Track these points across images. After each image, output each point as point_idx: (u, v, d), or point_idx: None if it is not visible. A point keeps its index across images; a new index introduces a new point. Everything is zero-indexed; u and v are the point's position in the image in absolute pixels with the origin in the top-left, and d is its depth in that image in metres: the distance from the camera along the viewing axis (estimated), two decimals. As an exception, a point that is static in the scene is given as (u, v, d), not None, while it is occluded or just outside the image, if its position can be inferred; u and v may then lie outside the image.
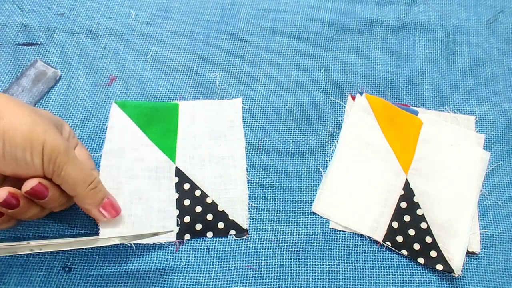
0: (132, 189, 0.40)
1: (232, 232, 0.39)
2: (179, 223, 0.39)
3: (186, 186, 0.41)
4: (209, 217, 0.39)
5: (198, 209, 0.40)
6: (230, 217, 0.40)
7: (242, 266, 0.38)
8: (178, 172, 0.42)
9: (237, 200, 0.40)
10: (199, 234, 0.39)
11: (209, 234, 0.39)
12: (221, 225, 0.39)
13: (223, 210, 0.40)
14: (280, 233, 0.40)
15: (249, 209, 0.40)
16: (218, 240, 0.39)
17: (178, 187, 0.41)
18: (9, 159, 0.32)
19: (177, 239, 0.39)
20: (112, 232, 0.38)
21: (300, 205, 0.41)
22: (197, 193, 0.40)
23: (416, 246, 0.39)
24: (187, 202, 0.40)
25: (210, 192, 0.41)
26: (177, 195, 0.40)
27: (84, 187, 0.35)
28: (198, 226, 0.39)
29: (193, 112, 0.45)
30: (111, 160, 0.41)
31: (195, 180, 0.41)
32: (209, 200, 0.40)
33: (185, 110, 0.45)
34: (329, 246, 0.39)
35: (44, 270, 0.37)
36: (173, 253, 0.38)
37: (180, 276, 0.37)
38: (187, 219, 0.39)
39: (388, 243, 0.39)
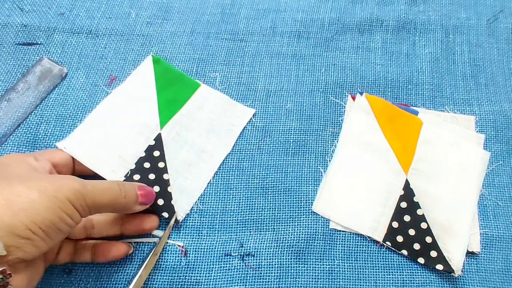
0: (112, 130, 0.42)
1: (165, 214, 0.39)
2: (128, 175, 0.40)
3: (156, 153, 0.42)
4: (156, 188, 0.40)
5: (152, 176, 0.40)
6: (172, 201, 0.40)
7: (242, 265, 0.38)
8: (158, 139, 0.43)
9: (187, 192, 0.41)
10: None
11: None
12: (160, 202, 0.39)
13: (170, 192, 0.40)
14: (280, 233, 0.40)
15: (195, 210, 0.40)
16: (218, 240, 0.39)
17: (149, 150, 0.42)
18: (55, 236, 0.30)
19: (125, 178, 0.40)
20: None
21: (300, 205, 0.41)
22: (161, 165, 0.41)
23: (416, 246, 0.39)
24: (147, 165, 0.41)
25: (171, 171, 0.41)
26: (143, 155, 0.41)
27: (120, 201, 0.34)
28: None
29: (206, 98, 0.46)
30: (115, 98, 0.45)
31: (166, 154, 0.42)
32: (165, 177, 0.41)
33: (200, 93, 0.46)
34: (329, 246, 0.39)
35: (45, 272, 0.37)
36: (173, 253, 0.38)
37: (180, 276, 0.37)
38: (136, 177, 0.40)
39: (388, 243, 0.39)
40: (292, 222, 0.40)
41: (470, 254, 0.39)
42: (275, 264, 0.38)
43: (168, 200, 0.39)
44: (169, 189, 0.40)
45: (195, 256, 0.38)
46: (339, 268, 0.38)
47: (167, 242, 0.39)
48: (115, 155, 0.41)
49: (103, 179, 0.40)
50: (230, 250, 0.39)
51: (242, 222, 0.40)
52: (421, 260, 0.38)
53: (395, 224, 0.40)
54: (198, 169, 0.42)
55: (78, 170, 0.40)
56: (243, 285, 0.37)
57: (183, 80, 0.47)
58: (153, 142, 0.42)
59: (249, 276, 0.38)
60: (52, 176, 0.32)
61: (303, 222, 0.40)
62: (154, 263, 0.37)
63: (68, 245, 0.36)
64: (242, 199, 0.41)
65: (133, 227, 0.38)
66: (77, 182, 0.31)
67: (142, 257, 0.38)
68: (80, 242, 0.37)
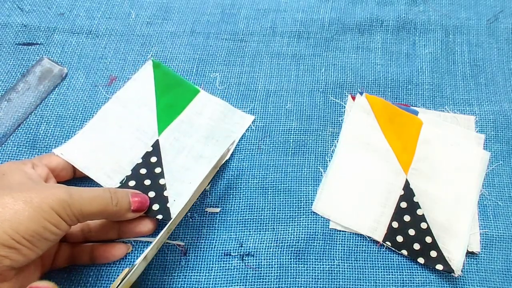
0: (110, 136, 0.42)
1: (160, 216, 0.39)
2: (123, 181, 0.40)
3: (153, 159, 0.42)
4: (151, 194, 0.40)
5: (147, 182, 0.40)
6: (168, 204, 0.39)
7: (242, 265, 0.38)
8: (156, 145, 0.43)
9: (183, 194, 0.40)
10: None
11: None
12: (155, 207, 0.39)
13: (167, 196, 0.40)
14: (280, 233, 0.40)
15: (194, 210, 0.40)
16: (218, 239, 0.39)
17: (146, 156, 0.42)
18: (42, 245, 0.30)
19: (120, 185, 0.40)
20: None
21: (300, 205, 0.41)
22: (157, 170, 0.41)
23: (416, 246, 0.39)
24: (143, 171, 0.41)
25: (168, 176, 0.41)
26: (140, 161, 0.42)
27: (111, 209, 0.34)
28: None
29: (205, 105, 0.46)
30: (115, 105, 0.44)
31: (164, 159, 0.42)
32: (161, 182, 0.41)
33: (200, 99, 0.46)
34: (329, 246, 0.39)
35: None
36: (172, 253, 0.38)
37: (180, 275, 0.37)
38: (132, 183, 0.40)
39: (388, 243, 0.39)
40: (292, 222, 0.40)
41: (470, 254, 0.39)
42: (274, 264, 0.38)
43: (164, 204, 0.39)
44: (165, 193, 0.40)
45: (194, 256, 0.38)
46: (339, 268, 0.38)
47: (167, 242, 0.39)
48: (112, 161, 0.41)
49: (100, 185, 0.40)
50: (230, 250, 0.39)
51: (242, 222, 0.40)
52: (421, 260, 0.38)
53: (395, 224, 0.40)
54: (194, 173, 0.42)
55: (79, 173, 0.40)
56: (242, 285, 0.37)
57: (183, 86, 0.46)
58: (150, 149, 0.42)
59: (249, 276, 0.38)
60: (41, 186, 0.32)
61: (303, 222, 0.40)
62: (143, 267, 0.36)
63: (65, 249, 0.36)
64: (242, 199, 0.41)
65: (130, 229, 0.38)
66: (63, 192, 0.31)
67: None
68: (78, 245, 0.37)
